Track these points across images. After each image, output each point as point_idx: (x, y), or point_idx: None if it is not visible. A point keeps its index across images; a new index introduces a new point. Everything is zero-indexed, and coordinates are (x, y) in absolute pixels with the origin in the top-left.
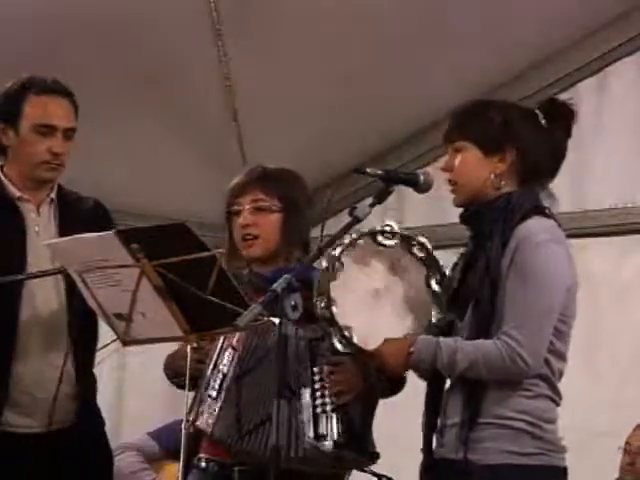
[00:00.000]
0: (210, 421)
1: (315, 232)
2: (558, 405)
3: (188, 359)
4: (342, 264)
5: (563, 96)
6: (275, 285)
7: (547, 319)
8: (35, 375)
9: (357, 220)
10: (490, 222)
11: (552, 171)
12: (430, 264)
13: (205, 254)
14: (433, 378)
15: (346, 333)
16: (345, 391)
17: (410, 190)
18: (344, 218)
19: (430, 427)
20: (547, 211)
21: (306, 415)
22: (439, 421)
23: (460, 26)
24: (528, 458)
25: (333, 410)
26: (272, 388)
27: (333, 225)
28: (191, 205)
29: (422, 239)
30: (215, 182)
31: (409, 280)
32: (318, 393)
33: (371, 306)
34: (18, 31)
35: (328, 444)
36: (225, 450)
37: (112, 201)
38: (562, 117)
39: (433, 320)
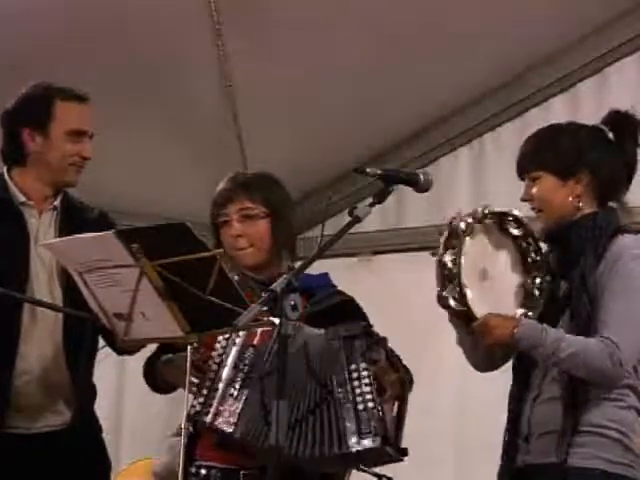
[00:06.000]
0: (232, 420)
1: (315, 232)
2: None
3: (188, 360)
4: (474, 231)
5: (563, 96)
6: (274, 285)
7: None
8: (32, 376)
9: (357, 220)
10: (579, 240)
11: (627, 182)
12: (540, 266)
13: (205, 254)
14: (516, 389)
15: (465, 291)
16: (385, 388)
17: (410, 190)
18: (344, 218)
19: (517, 435)
20: (628, 228)
21: (347, 415)
22: (522, 429)
23: (460, 26)
24: (617, 467)
25: (374, 407)
26: (300, 389)
27: (333, 225)
28: (191, 205)
29: (541, 244)
30: (215, 182)
31: (514, 272)
32: (357, 391)
33: (477, 283)
34: (16, 31)
35: (375, 440)
36: (243, 449)
37: (111, 201)
38: (628, 128)
39: (519, 312)
